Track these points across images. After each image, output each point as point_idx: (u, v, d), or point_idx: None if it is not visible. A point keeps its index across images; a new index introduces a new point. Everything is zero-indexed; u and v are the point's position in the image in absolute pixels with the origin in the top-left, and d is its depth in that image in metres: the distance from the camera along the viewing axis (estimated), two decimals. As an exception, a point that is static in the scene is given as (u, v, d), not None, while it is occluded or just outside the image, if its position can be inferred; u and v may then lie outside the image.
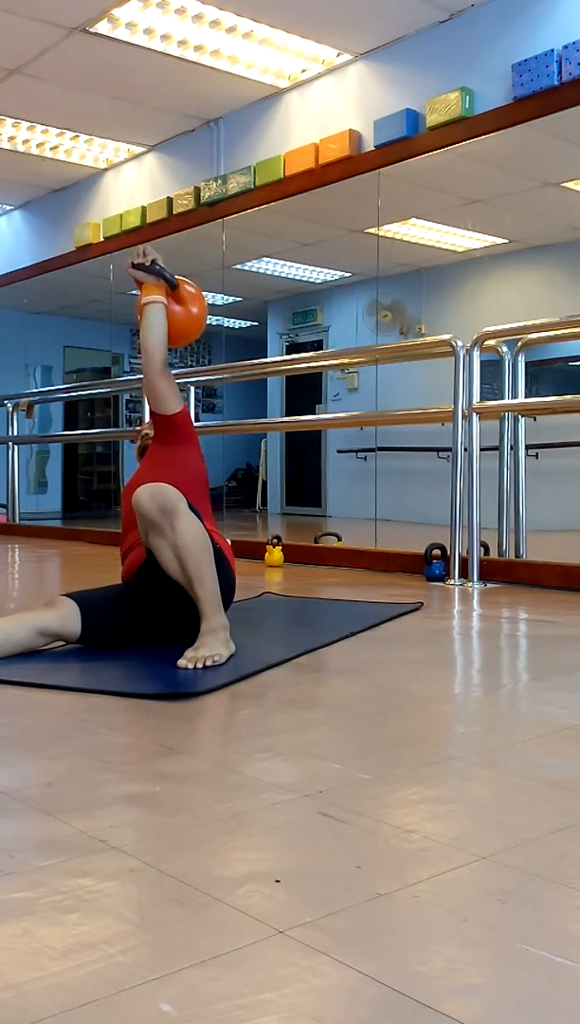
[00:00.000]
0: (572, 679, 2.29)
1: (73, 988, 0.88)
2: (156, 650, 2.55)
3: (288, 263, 8.23)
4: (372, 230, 6.06)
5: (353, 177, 5.48)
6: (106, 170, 7.51)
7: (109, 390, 9.12)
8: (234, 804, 1.39)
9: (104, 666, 2.38)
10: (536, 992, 0.88)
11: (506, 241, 6.47)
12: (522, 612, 3.44)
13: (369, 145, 5.40)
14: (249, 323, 9.81)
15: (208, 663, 2.32)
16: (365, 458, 7.62)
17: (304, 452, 9.55)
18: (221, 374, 6.98)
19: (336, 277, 8.51)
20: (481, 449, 4.26)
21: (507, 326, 4.31)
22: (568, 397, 4.77)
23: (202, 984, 0.89)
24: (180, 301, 2.85)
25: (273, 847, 1.24)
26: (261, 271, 8.27)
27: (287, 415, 9.47)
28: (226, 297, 8.29)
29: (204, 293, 2.96)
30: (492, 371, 4.56)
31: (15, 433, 7.98)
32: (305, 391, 9.15)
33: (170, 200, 6.74)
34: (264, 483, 10.79)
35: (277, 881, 1.12)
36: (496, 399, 4.59)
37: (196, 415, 7.21)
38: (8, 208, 8.63)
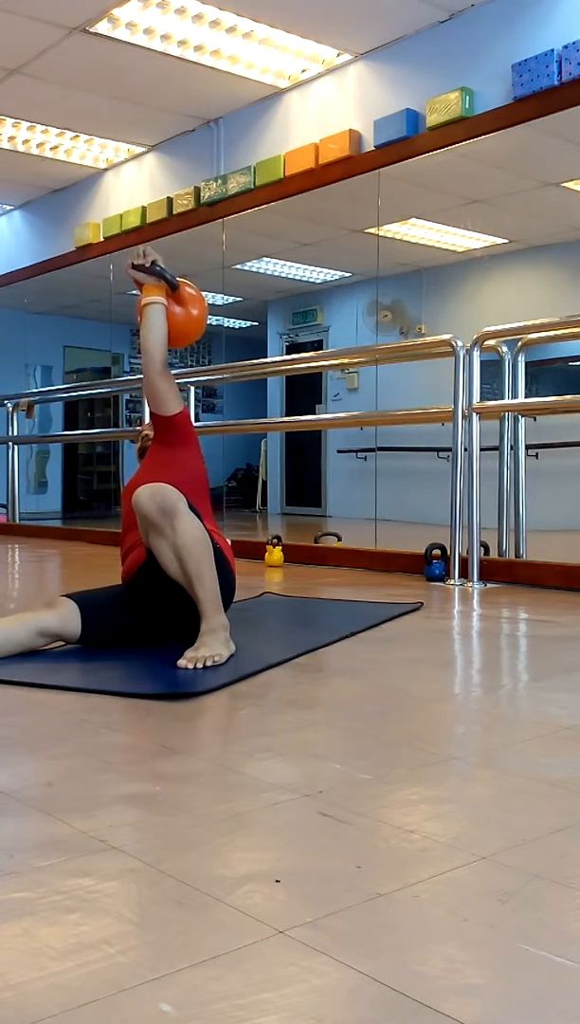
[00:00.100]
0: (572, 679, 2.29)
1: (73, 988, 0.88)
2: (156, 650, 2.55)
3: (288, 263, 8.23)
4: (372, 230, 6.06)
5: (353, 177, 5.48)
6: (106, 170, 7.51)
7: (109, 390, 9.12)
8: (234, 804, 1.39)
9: (104, 666, 2.38)
10: (536, 992, 0.88)
11: (506, 241, 6.47)
12: (522, 612, 3.44)
13: (369, 145, 5.40)
14: (249, 323, 9.81)
15: (208, 663, 2.32)
16: (365, 458, 7.62)
17: (304, 452, 9.55)
18: (221, 374, 6.98)
19: (336, 277, 8.52)
20: (481, 449, 4.26)
21: (507, 326, 4.31)
22: (568, 397, 4.78)
23: (202, 984, 0.89)
24: (180, 302, 2.84)
25: (273, 847, 1.24)
26: (261, 271, 8.27)
27: (287, 415, 9.47)
28: (226, 297, 8.29)
29: (204, 293, 2.96)
30: (492, 371, 4.56)
31: (15, 433, 7.98)
32: (305, 391, 9.15)
33: (170, 200, 6.74)
34: (264, 483, 10.79)
35: (277, 881, 1.12)
36: (496, 399, 4.59)
37: (196, 415, 7.21)
38: (8, 208, 8.63)
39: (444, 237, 6.60)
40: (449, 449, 4.44)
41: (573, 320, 4.13)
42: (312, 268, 8.38)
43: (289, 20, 5.03)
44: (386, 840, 1.25)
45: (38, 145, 7.00)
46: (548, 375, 6.65)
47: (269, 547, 4.98)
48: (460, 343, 4.35)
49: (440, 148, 5.00)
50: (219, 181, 6.30)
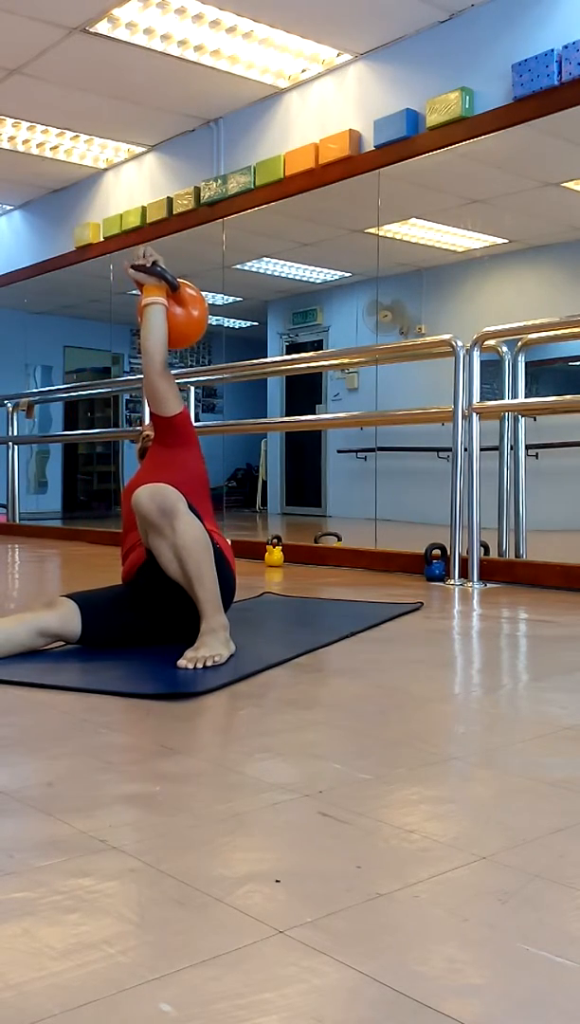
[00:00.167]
0: (572, 679, 2.29)
1: (73, 988, 0.88)
2: (156, 650, 2.55)
3: (288, 263, 8.23)
4: (372, 230, 6.06)
5: (353, 177, 5.48)
6: (106, 170, 7.51)
7: (109, 390, 9.12)
8: (234, 804, 1.39)
9: (104, 666, 2.38)
10: (536, 992, 0.88)
11: (506, 241, 6.47)
12: (522, 612, 3.44)
13: (369, 145, 5.40)
14: (249, 323, 9.81)
15: (208, 663, 2.32)
16: (365, 458, 7.62)
17: (304, 452, 9.55)
18: (221, 374, 6.98)
19: (336, 277, 8.52)
20: (481, 449, 4.26)
21: (507, 326, 4.31)
22: (568, 397, 4.78)
23: (202, 984, 0.89)
24: (181, 303, 2.84)
25: (273, 847, 1.24)
26: (261, 271, 8.27)
27: (287, 415, 9.47)
28: (226, 297, 8.29)
29: (204, 293, 2.96)
30: (492, 371, 4.56)
31: (15, 433, 7.98)
32: (305, 391, 9.15)
33: (170, 200, 6.74)
34: (264, 483, 10.79)
35: (277, 881, 1.12)
36: (496, 399, 4.59)
37: (196, 415, 7.21)
38: (8, 208, 8.63)
39: (444, 237, 6.60)
40: (449, 449, 4.44)
41: (573, 320, 4.13)
42: (312, 268, 8.38)
43: (289, 20, 5.03)
44: (386, 840, 1.25)
45: (38, 145, 7.00)
46: (548, 375, 6.65)
47: (269, 547, 4.98)
48: (460, 343, 4.35)
49: (440, 148, 5.00)
50: (219, 181, 6.30)
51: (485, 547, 4.31)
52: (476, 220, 6.23)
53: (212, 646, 2.38)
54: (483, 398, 4.34)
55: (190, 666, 2.31)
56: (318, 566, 5.02)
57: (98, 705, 2.01)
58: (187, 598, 2.46)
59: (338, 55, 5.45)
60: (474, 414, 4.26)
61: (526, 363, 4.62)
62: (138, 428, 3.60)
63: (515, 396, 4.61)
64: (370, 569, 4.81)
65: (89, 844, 1.24)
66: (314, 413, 8.59)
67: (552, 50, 4.40)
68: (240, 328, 9.75)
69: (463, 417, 4.32)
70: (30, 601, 3.52)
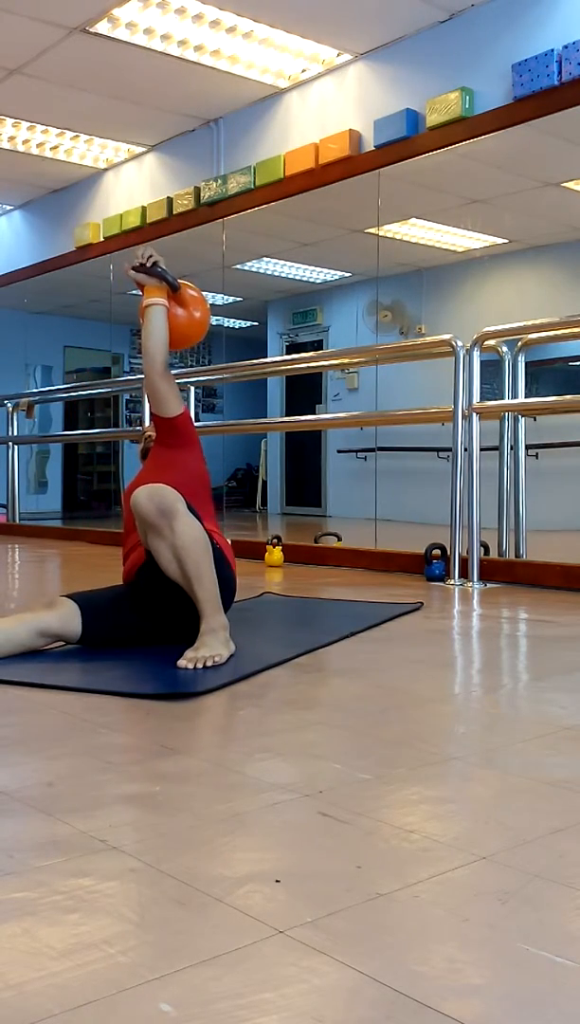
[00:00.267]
0: (572, 679, 2.29)
1: (73, 988, 0.89)
2: (156, 650, 2.55)
3: (288, 263, 8.23)
4: (372, 230, 6.06)
5: (353, 177, 5.48)
6: (106, 170, 7.51)
7: (109, 390, 9.12)
8: (234, 804, 1.39)
9: (104, 666, 2.38)
10: (536, 992, 0.88)
11: (506, 241, 6.48)
12: (522, 612, 3.44)
13: (369, 145, 5.39)
14: (249, 323, 9.81)
15: (208, 663, 2.32)
16: (365, 458, 7.62)
17: (304, 452, 9.55)
18: (221, 374, 6.98)
19: (336, 277, 8.52)
20: (481, 449, 4.26)
21: (507, 326, 4.31)
22: (568, 397, 4.78)
23: (202, 984, 0.89)
24: (182, 304, 2.84)
25: (273, 847, 1.24)
26: (261, 271, 8.27)
27: (287, 415, 9.47)
28: (226, 297, 8.29)
29: (204, 293, 2.95)
30: (492, 371, 4.56)
31: (15, 433, 7.98)
32: (305, 391, 9.15)
33: (170, 200, 6.74)
34: (264, 483, 10.79)
35: (277, 881, 1.12)
36: (496, 399, 4.59)
37: (196, 415, 7.22)
38: (8, 208, 8.63)
39: (444, 237, 6.60)
40: (449, 449, 4.43)
41: (573, 320, 4.13)
42: (312, 268, 8.38)
43: (289, 20, 5.03)
44: (386, 840, 1.25)
45: (38, 145, 7.00)
46: (548, 375, 6.65)
47: (269, 547, 4.98)
48: (460, 343, 4.35)
49: (440, 148, 5.00)
50: (219, 181, 6.30)
51: (485, 547, 4.31)
52: (476, 220, 6.23)
53: (212, 646, 2.38)
54: (483, 398, 4.34)
55: (190, 666, 2.31)
56: (318, 566, 5.02)
57: (98, 705, 2.01)
58: (187, 598, 2.46)
59: (338, 55, 5.45)
60: (474, 414, 4.26)
61: (526, 363, 4.62)
62: (138, 428, 3.61)
63: (515, 396, 4.61)
64: (370, 569, 4.81)
65: (89, 844, 1.24)
66: (314, 413, 8.59)
67: (552, 50, 4.40)
68: (240, 328, 9.75)
69: (463, 417, 4.32)
70: (30, 601, 3.52)
